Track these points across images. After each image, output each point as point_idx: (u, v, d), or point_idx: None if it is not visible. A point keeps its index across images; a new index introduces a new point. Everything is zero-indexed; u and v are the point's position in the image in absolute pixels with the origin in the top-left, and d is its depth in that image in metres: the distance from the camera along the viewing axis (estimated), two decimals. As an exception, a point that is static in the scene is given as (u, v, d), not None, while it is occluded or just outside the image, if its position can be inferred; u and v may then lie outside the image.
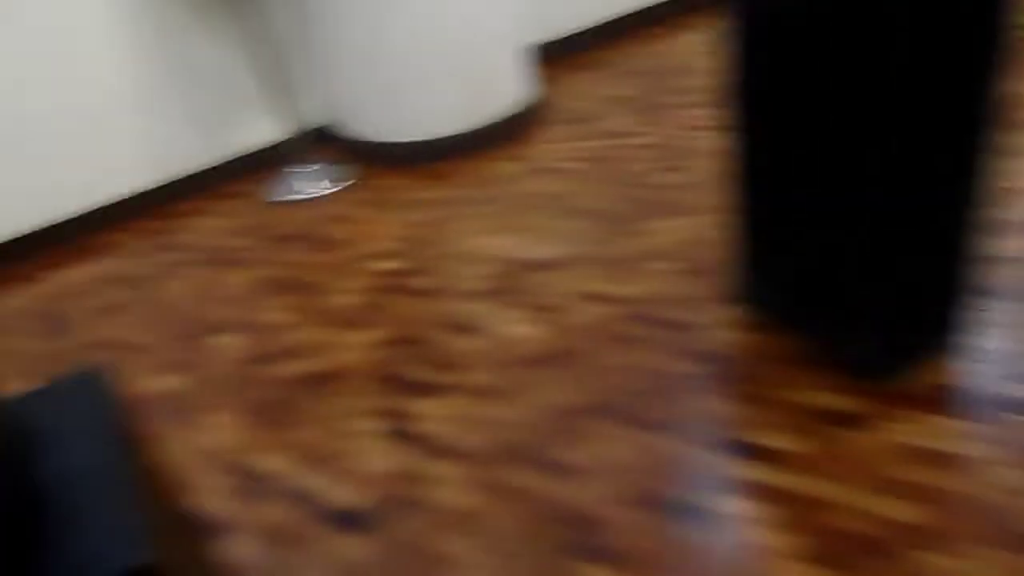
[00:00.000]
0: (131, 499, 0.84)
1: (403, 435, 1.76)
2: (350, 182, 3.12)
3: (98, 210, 3.16)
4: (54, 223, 3.09)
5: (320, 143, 3.42)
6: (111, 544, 0.79)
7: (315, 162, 3.22)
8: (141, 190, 3.22)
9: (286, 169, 3.26)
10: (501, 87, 3.04)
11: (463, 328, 2.10)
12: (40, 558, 0.78)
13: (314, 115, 3.43)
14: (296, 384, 2.03)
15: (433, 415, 1.80)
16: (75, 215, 3.11)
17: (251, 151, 3.39)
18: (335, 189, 3.08)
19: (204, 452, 1.83)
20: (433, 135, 3.05)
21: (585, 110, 3.23)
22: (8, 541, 0.79)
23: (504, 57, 2.97)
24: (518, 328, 2.03)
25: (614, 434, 1.60)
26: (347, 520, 1.57)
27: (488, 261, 2.39)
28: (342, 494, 1.64)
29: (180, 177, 3.28)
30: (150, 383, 2.15)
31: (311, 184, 3.13)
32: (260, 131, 3.38)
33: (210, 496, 1.69)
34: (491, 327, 2.08)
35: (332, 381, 2.01)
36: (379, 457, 1.73)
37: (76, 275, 2.88)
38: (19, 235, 3.02)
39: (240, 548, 1.54)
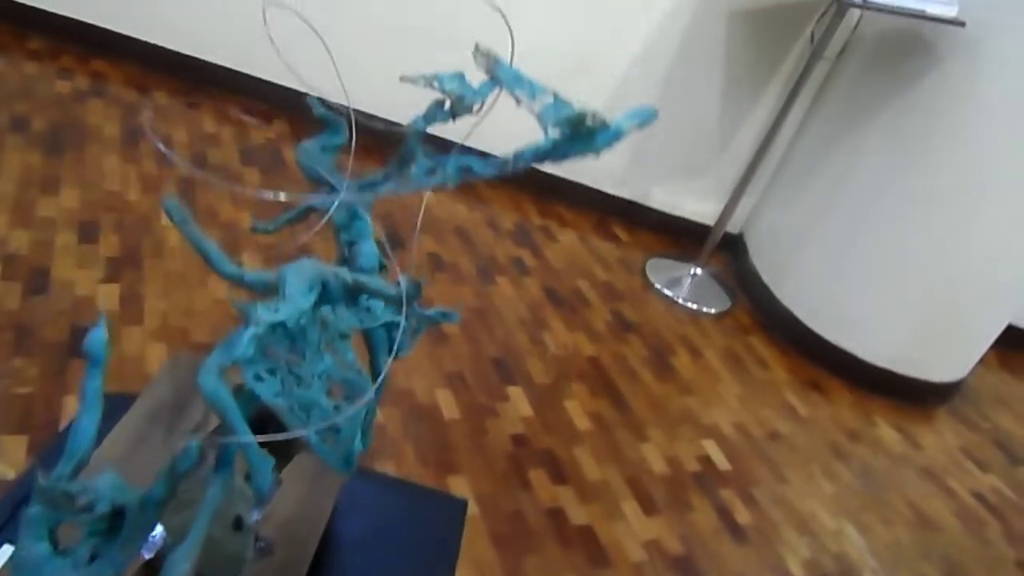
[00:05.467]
0: None
1: None
2: (723, 311, 2.73)
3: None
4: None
5: (720, 250, 3.02)
6: None
7: (703, 265, 2.86)
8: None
9: (671, 257, 2.93)
10: (952, 348, 2.55)
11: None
12: None
13: (736, 222, 3.05)
14: (557, 528, 1.72)
15: None
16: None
17: (656, 209, 3.10)
18: (705, 310, 2.71)
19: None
20: (849, 350, 2.61)
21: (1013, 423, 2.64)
22: None
23: (973, 321, 2.60)
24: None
25: None
26: None
27: (823, 545, 1.93)
28: None
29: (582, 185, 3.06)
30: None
31: (688, 287, 2.78)
32: (681, 198, 3.07)
33: None
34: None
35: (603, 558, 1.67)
36: None
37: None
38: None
39: None
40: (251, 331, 0.42)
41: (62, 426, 1.53)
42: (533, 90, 0.46)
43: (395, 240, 2.49)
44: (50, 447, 1.40)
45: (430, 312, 0.65)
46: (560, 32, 2.75)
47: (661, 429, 2.12)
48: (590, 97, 2.85)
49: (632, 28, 2.77)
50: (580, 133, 0.44)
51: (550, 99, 0.46)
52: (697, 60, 2.82)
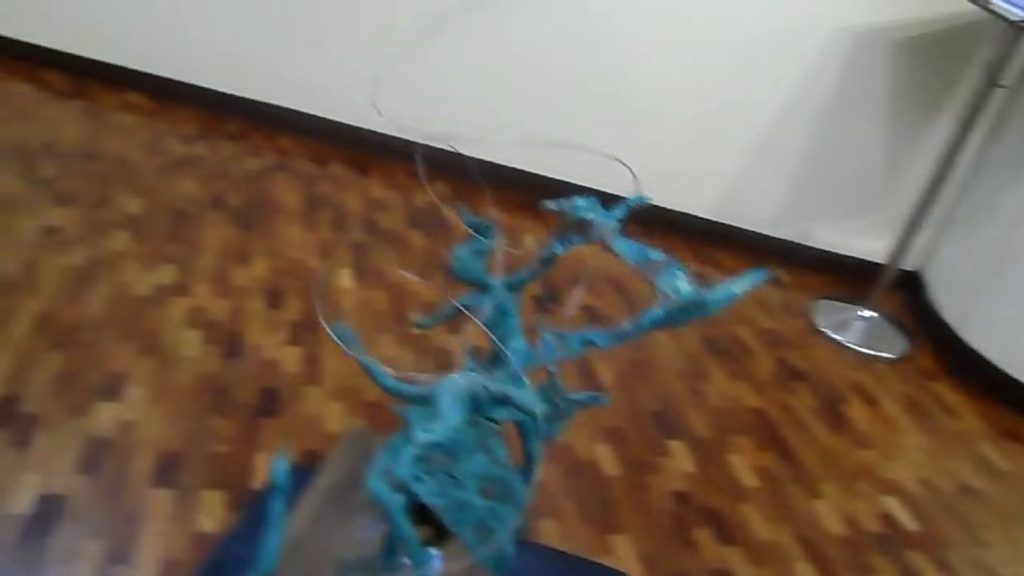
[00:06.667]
0: None
1: None
2: (900, 355, 2.56)
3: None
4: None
5: (894, 289, 2.83)
6: None
7: (876, 306, 2.70)
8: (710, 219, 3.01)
9: (838, 298, 2.79)
10: None
11: None
12: None
13: (912, 259, 2.85)
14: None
15: None
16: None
17: (819, 249, 2.97)
18: (880, 355, 2.55)
19: None
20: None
21: None
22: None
23: None
24: None
25: None
26: None
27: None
28: None
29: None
30: None
31: (859, 330, 2.63)
32: (846, 236, 2.93)
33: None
34: None
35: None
36: None
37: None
38: None
39: None
40: (410, 451, 0.47)
41: (255, 483, 1.68)
42: (647, 259, 0.49)
43: (553, 294, 2.54)
44: (246, 506, 1.54)
45: (579, 397, 0.68)
46: (712, 69, 2.73)
47: (835, 485, 2.01)
48: (743, 139, 2.84)
49: (787, 62, 2.70)
50: (693, 303, 0.46)
51: (664, 269, 0.47)
52: (858, 91, 2.70)
